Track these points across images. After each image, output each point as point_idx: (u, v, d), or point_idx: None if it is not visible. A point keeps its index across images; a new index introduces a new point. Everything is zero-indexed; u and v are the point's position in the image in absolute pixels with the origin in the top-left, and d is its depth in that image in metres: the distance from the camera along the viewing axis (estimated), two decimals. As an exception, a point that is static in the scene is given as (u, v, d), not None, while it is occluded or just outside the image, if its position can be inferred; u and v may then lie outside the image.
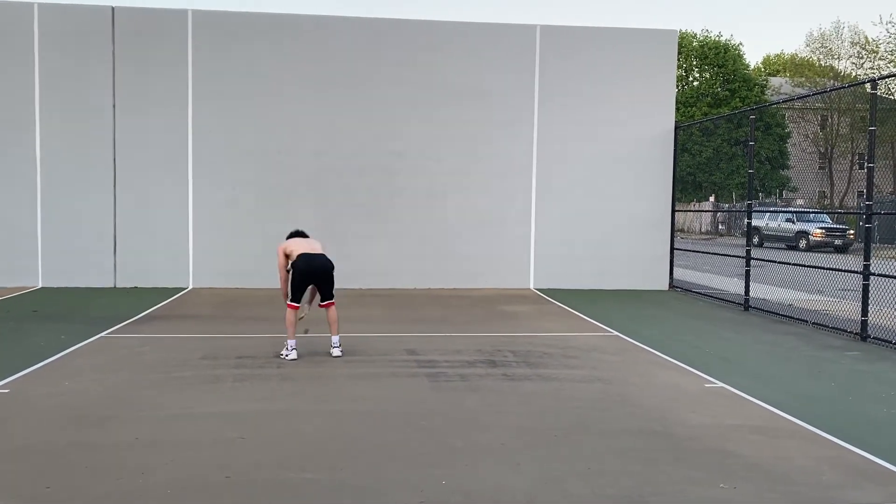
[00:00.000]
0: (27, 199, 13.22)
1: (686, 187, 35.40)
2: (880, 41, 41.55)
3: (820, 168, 38.73)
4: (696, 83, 45.33)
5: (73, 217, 13.26)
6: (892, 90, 16.91)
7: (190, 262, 13.55)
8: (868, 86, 9.58)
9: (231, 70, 13.52)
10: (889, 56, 39.83)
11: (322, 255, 7.90)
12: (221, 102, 13.51)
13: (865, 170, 9.49)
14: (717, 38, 45.71)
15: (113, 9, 13.33)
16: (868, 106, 9.52)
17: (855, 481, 4.54)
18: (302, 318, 7.78)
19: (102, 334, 8.87)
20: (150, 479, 4.38)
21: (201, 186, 13.52)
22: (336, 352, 7.78)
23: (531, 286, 14.16)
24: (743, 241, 13.89)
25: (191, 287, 13.46)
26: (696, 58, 45.01)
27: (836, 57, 45.60)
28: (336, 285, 7.93)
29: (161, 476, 4.44)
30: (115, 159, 13.39)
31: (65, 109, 13.23)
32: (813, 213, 26.36)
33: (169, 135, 13.44)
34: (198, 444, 5.03)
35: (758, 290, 12.31)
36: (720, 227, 34.83)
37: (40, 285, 13.22)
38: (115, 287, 13.35)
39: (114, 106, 13.35)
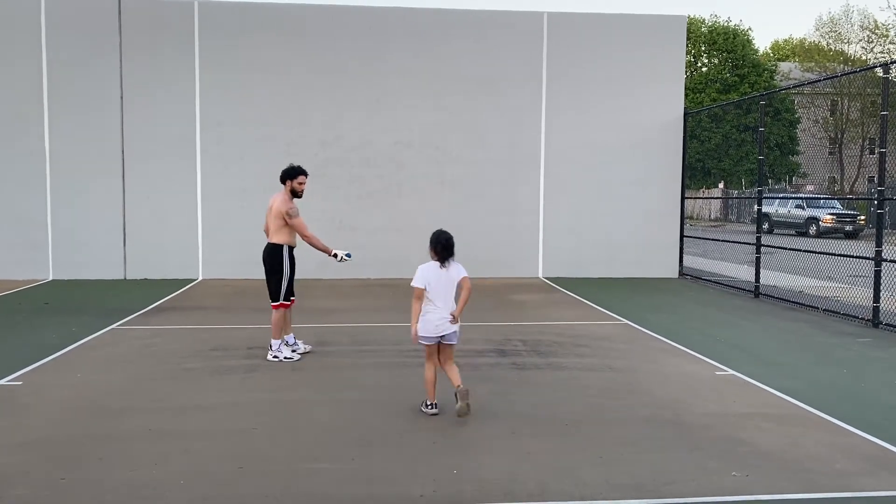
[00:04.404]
0: (37, 193, 13.26)
1: (695, 174, 35.26)
2: (889, 25, 41.19)
3: (830, 154, 38.48)
4: (704, 69, 45.02)
5: (82, 209, 13.31)
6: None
7: (199, 254, 13.58)
8: (880, 70, 9.48)
9: (238, 60, 13.50)
10: (900, 39, 39.48)
11: (266, 245, 7.32)
12: (229, 92, 13.50)
13: (877, 155, 9.40)
14: (725, 24, 45.37)
15: None
16: (879, 90, 9.42)
17: (869, 469, 4.52)
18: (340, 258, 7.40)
19: (113, 326, 8.91)
20: (163, 470, 4.40)
21: (209, 177, 13.54)
22: (269, 356, 7.24)
23: (540, 275, 14.13)
24: (752, 227, 13.80)
25: (200, 278, 13.50)
26: (704, 43, 44.68)
27: (845, 41, 45.20)
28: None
29: (174, 467, 4.46)
30: (123, 151, 13.41)
31: (72, 101, 13.25)
32: (823, 199, 26.20)
33: (177, 126, 13.45)
34: (210, 435, 5.05)
35: (768, 277, 12.25)
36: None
37: (51, 278, 13.29)
38: (125, 279, 13.40)
39: (121, 97, 13.36)
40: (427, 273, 5.39)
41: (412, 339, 5.40)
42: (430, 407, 5.49)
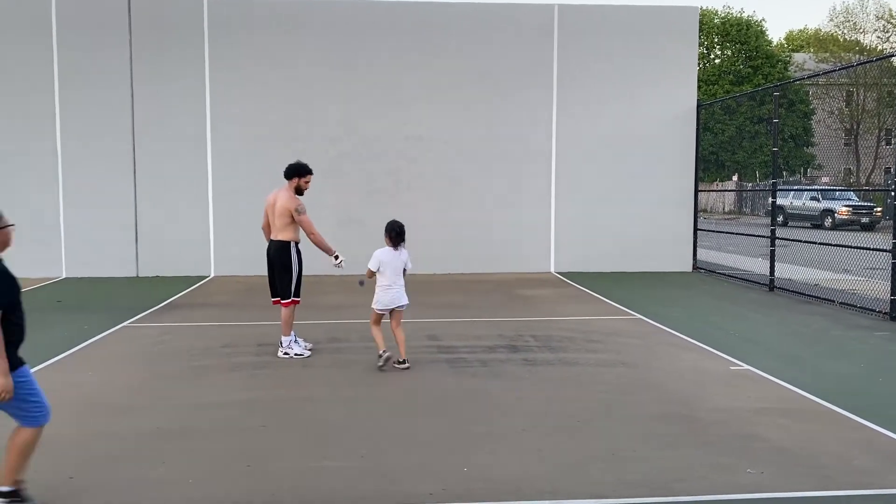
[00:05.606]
0: (49, 191, 13.31)
1: (709, 166, 34.99)
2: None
3: (845, 145, 38.08)
4: (717, 60, 44.68)
5: (94, 207, 13.34)
6: (921, 63, 16.46)
7: (211, 251, 13.60)
8: (896, 59, 9.33)
9: (248, 57, 13.48)
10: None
11: (272, 242, 7.43)
12: (238, 89, 13.49)
13: (893, 146, 9.24)
14: (738, 15, 44.97)
15: (129, -2, 13.34)
16: (895, 80, 9.27)
17: (888, 465, 4.43)
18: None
19: (125, 324, 8.93)
20: (171, 468, 4.38)
21: (220, 174, 13.54)
22: (279, 352, 7.23)
23: (552, 270, 14.05)
24: (767, 220, 13.66)
25: (212, 275, 13.52)
26: (717, 35, 44.33)
27: (860, 31, 44.71)
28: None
29: (183, 465, 4.44)
30: (134, 149, 13.43)
31: (84, 100, 13.27)
32: (839, 190, 25.91)
33: (187, 123, 13.45)
34: (219, 433, 5.03)
35: (783, 271, 12.12)
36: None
37: (63, 276, 13.34)
38: (137, 276, 13.44)
39: (132, 96, 13.38)
40: (382, 256, 6.70)
41: (367, 275, 6.76)
42: (381, 355, 6.66)
